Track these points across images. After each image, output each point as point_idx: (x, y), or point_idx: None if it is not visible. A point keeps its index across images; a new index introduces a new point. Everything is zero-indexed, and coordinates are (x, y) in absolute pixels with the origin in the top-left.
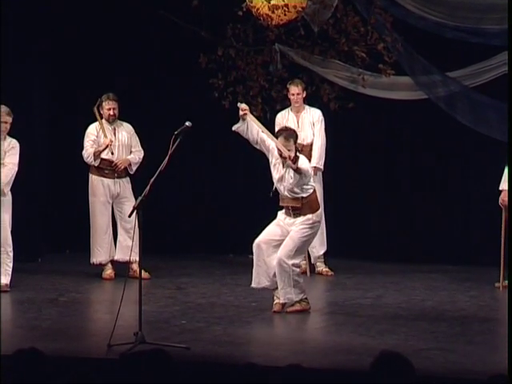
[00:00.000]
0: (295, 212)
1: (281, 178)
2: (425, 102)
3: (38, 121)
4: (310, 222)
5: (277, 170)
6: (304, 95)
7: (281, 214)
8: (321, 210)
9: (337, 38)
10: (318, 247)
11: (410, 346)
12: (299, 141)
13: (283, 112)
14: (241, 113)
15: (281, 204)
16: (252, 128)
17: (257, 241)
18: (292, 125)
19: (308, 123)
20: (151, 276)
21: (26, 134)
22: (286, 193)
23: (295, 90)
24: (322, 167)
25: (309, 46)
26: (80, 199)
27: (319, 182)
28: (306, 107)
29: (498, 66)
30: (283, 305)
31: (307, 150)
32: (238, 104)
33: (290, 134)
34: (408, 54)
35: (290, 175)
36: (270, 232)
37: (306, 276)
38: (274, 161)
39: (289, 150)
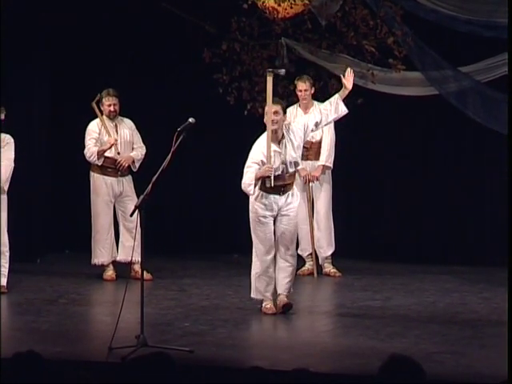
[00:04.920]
0: (286, 189)
1: (283, 162)
2: (436, 98)
3: (37, 120)
4: (297, 194)
5: (273, 158)
6: (312, 91)
7: (261, 210)
8: None
9: (345, 32)
10: (326, 248)
11: (421, 350)
12: (308, 138)
13: (291, 108)
14: (270, 173)
15: (276, 184)
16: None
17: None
18: None
19: None
20: (153, 277)
21: (26, 132)
22: (290, 170)
23: (303, 86)
24: (331, 165)
25: (316, 39)
26: (80, 198)
27: (328, 182)
28: (315, 103)
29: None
30: (284, 297)
31: (316, 148)
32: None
33: (277, 99)
34: (419, 48)
35: (291, 149)
36: (269, 240)
37: (312, 277)
38: (267, 153)
39: (275, 113)
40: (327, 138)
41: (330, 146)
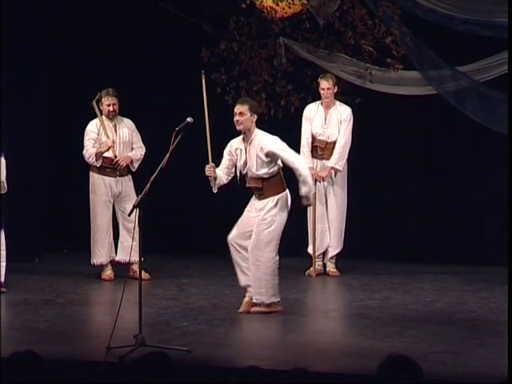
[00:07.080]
0: (259, 193)
1: (245, 163)
2: (434, 98)
3: (36, 119)
4: (273, 204)
5: (239, 157)
6: (335, 90)
7: (253, 198)
8: (287, 192)
9: (343, 32)
10: (334, 247)
11: (419, 349)
12: (324, 138)
13: (312, 105)
14: (209, 173)
15: (247, 185)
16: (221, 176)
17: (229, 239)
18: (319, 120)
19: (335, 120)
20: (152, 277)
21: (25, 132)
22: (250, 173)
23: (325, 85)
24: (340, 168)
25: (314, 39)
26: (78, 198)
27: (341, 184)
28: (337, 103)
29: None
30: (253, 304)
31: (331, 148)
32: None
33: (244, 99)
34: (417, 47)
35: (253, 158)
36: (241, 225)
37: (311, 277)
38: (233, 151)
39: (240, 114)
40: (342, 140)
41: (342, 149)
